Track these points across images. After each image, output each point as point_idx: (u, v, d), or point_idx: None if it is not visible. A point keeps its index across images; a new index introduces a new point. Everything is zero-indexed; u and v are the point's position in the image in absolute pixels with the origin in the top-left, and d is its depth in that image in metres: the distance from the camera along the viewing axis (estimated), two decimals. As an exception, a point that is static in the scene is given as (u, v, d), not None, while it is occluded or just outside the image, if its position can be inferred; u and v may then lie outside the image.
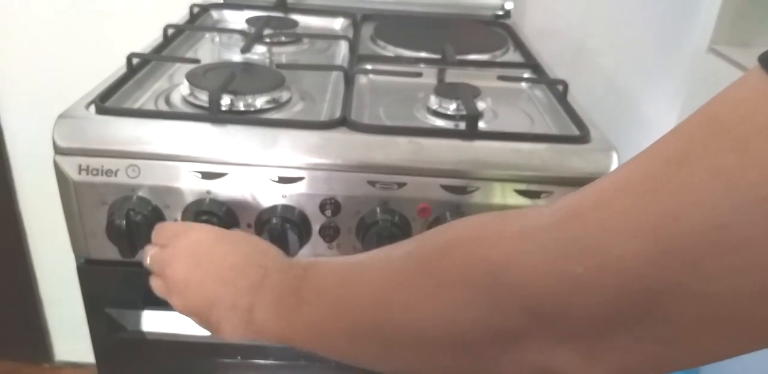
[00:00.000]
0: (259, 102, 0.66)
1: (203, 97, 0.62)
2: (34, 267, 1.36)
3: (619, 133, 1.20)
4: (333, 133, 0.59)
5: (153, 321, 0.59)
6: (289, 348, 0.38)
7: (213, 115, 0.57)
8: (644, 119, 1.24)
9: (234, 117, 0.58)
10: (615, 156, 0.60)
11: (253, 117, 0.60)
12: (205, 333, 0.59)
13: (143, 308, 0.60)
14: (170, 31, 0.81)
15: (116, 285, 0.60)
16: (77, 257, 0.59)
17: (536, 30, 1.18)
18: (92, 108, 0.58)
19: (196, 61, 0.69)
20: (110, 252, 0.56)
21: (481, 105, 0.71)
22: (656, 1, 1.16)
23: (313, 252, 0.58)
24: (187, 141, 0.55)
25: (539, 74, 0.82)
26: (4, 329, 1.41)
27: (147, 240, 0.54)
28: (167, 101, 0.65)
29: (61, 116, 0.57)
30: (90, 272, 0.59)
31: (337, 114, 0.62)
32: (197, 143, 0.55)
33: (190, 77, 0.66)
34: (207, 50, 0.87)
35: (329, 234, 0.57)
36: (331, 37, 0.87)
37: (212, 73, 0.67)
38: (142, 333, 0.60)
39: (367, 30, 0.99)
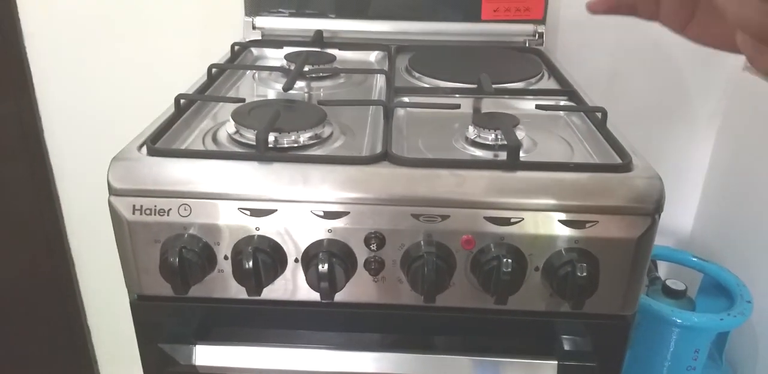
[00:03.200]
0: (303, 138, 0.67)
1: (249, 135, 0.64)
2: (83, 300, 1.40)
3: (657, 154, 1.19)
4: (376, 168, 0.60)
5: (205, 356, 0.60)
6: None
7: (260, 153, 0.59)
8: (682, 140, 1.22)
9: (280, 155, 0.60)
10: (660, 184, 0.59)
11: (299, 154, 0.62)
12: (256, 366, 0.60)
13: (195, 343, 0.61)
14: (214, 71, 0.84)
15: (168, 320, 0.62)
16: (130, 293, 0.61)
17: (569, 55, 1.18)
18: (144, 149, 0.60)
19: (241, 100, 0.72)
20: (163, 288, 0.58)
21: (520, 134, 0.71)
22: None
23: (357, 285, 0.58)
24: (235, 180, 0.57)
25: (576, 101, 0.83)
26: (54, 361, 1.44)
27: (198, 277, 0.56)
28: (214, 140, 0.67)
29: (115, 158, 0.59)
30: (143, 308, 0.61)
31: (378, 148, 0.64)
32: (245, 181, 0.57)
33: (236, 116, 0.68)
34: (248, 87, 0.90)
35: (374, 267, 0.57)
36: (369, 71, 0.89)
37: (257, 112, 0.69)
38: (194, 367, 0.61)
39: (402, 62, 1.00)
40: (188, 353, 0.60)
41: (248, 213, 0.56)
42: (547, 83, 0.94)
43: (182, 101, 0.71)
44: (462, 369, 0.59)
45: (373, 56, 1.07)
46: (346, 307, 0.59)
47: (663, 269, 1.19)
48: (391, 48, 1.07)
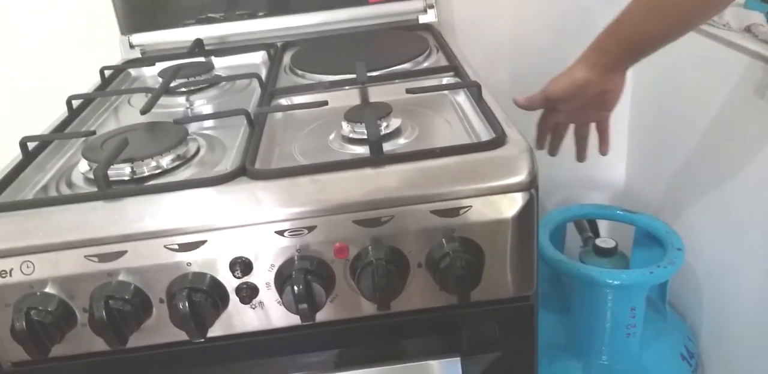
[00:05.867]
0: (165, 162, 0.63)
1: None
2: None
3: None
4: (231, 187, 0.56)
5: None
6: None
7: (102, 191, 0.55)
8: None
9: (125, 189, 0.56)
10: (531, 156, 0.56)
11: (143, 186, 0.57)
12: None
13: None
14: (74, 103, 0.79)
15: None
16: (3, 362, 0.57)
17: (467, 27, 1.15)
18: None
19: (90, 133, 0.67)
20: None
21: (395, 122, 0.68)
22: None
23: (234, 316, 0.55)
24: (77, 225, 0.53)
25: (460, 76, 0.79)
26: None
27: (56, 337, 0.51)
28: (68, 183, 0.62)
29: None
30: (20, 374, 0.57)
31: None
32: (88, 225, 0.53)
33: (87, 152, 0.64)
34: (127, 116, 0.84)
35: (247, 294, 0.54)
36: (240, 76, 0.84)
37: (110, 143, 0.65)
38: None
39: (288, 59, 0.96)
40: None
41: (96, 259, 0.52)
42: (437, 59, 0.91)
43: (29, 144, 0.66)
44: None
45: (260, 57, 1.02)
46: (221, 340, 0.56)
47: (603, 226, 1.17)
48: (277, 46, 1.02)
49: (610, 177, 1.24)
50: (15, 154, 0.66)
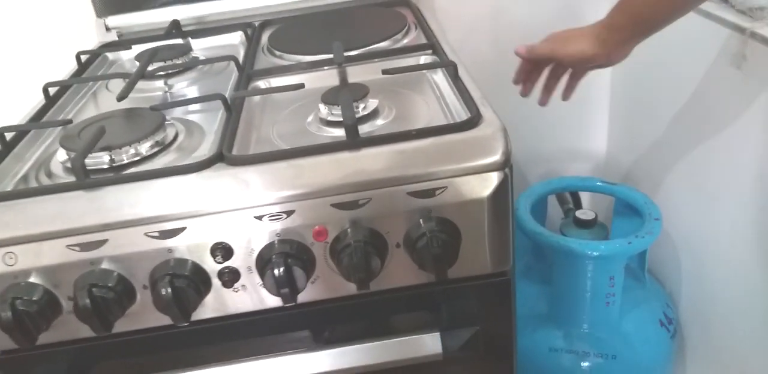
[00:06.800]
0: (143, 149, 0.64)
1: (86, 161, 0.59)
2: None
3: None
4: (209, 173, 0.56)
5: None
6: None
7: (80, 181, 0.55)
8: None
9: (102, 179, 0.56)
10: (504, 136, 0.57)
11: (120, 175, 0.58)
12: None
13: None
14: (51, 90, 0.79)
15: (40, 370, 0.59)
16: (-6, 350, 0.58)
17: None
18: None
19: (67, 121, 0.67)
20: (21, 339, 0.54)
21: (371, 104, 0.68)
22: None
23: (216, 300, 0.56)
24: (57, 215, 0.53)
25: (437, 55, 0.79)
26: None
27: (43, 325, 0.53)
28: (48, 172, 0.63)
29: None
30: (11, 362, 0.58)
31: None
32: (68, 215, 0.53)
33: (64, 141, 0.64)
34: (105, 101, 0.84)
35: (229, 278, 0.55)
36: (218, 59, 0.84)
37: (87, 132, 0.65)
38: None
39: (266, 39, 0.95)
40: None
41: (78, 248, 0.53)
42: (416, 35, 0.90)
43: (6, 134, 0.66)
44: (340, 360, 0.58)
45: (237, 37, 1.01)
46: (206, 323, 0.57)
47: (585, 198, 1.19)
48: (255, 25, 1.01)
49: (592, 148, 1.25)
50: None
